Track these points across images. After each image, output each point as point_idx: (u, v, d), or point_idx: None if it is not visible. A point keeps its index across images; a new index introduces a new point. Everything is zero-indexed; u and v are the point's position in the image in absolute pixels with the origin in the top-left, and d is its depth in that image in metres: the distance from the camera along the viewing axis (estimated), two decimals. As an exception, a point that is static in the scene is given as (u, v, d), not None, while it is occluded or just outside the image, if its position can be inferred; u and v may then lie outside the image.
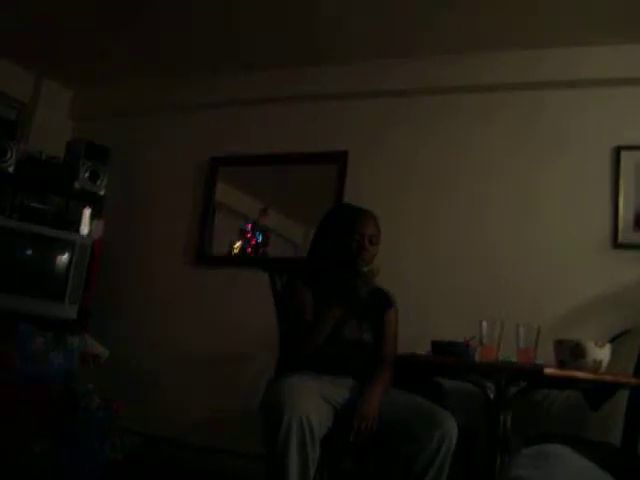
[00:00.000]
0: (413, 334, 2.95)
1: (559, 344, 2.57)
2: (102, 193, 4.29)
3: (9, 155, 3.96)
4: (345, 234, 2.61)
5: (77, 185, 4.18)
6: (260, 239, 4.30)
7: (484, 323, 2.62)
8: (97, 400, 3.52)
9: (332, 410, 2.40)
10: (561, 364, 2.53)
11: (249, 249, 4.32)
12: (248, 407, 2.91)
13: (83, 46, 4.26)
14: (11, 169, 3.97)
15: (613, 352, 2.55)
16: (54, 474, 3.29)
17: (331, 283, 2.58)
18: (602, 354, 2.48)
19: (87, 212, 4.21)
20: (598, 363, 2.47)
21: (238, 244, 4.34)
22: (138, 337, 4.35)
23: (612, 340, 2.95)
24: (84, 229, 4.18)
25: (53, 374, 3.58)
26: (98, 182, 4.25)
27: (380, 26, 3.70)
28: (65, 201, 4.20)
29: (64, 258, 3.97)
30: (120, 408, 3.61)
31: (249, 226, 4.33)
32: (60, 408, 3.48)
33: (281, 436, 2.08)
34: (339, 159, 4.11)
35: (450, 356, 2.64)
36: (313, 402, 2.23)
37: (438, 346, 2.72)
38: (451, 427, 2.28)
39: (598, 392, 2.98)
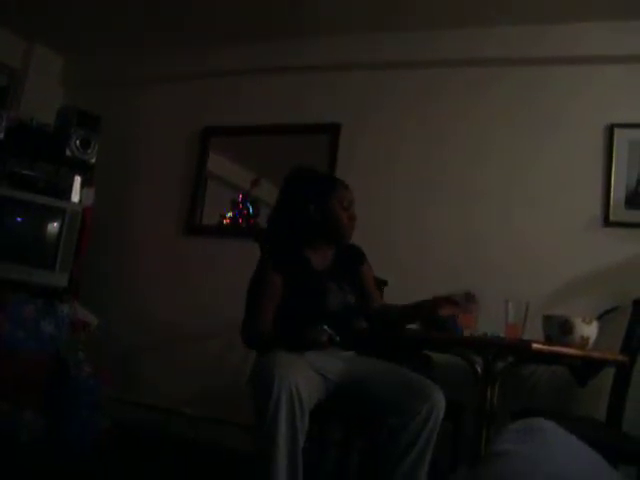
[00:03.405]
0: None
1: (547, 320, 2.59)
2: (93, 161, 4.24)
3: (-1, 122, 3.93)
4: (335, 205, 2.59)
5: (68, 153, 4.13)
6: (251, 210, 4.29)
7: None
8: (88, 369, 3.52)
9: (323, 381, 2.41)
10: (549, 340, 2.55)
11: (240, 220, 4.32)
12: (240, 378, 2.92)
13: (75, 12, 4.20)
14: (1, 136, 3.93)
15: (601, 329, 2.57)
16: (44, 442, 3.31)
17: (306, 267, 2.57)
18: (590, 330, 2.50)
19: (78, 180, 4.18)
20: (586, 339, 2.49)
21: (229, 214, 4.34)
22: (128, 306, 4.36)
23: (600, 317, 2.98)
24: (75, 197, 4.16)
25: (43, 342, 3.59)
26: (89, 150, 4.20)
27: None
28: (56, 169, 4.15)
29: (55, 226, 3.95)
30: (111, 377, 3.63)
31: (240, 197, 4.32)
32: (50, 376, 3.49)
33: (271, 407, 2.09)
34: (331, 131, 4.09)
35: (439, 330, 2.65)
36: (303, 373, 2.24)
37: (428, 320, 2.74)
38: (439, 400, 2.29)
39: (585, 368, 3.01)
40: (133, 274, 4.50)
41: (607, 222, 3.42)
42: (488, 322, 2.64)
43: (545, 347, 2.41)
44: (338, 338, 2.34)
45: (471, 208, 3.70)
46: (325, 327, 2.34)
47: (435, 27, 3.84)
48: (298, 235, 2.62)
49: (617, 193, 3.42)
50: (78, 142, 4.16)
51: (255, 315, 2.51)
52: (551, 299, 3.33)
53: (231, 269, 4.06)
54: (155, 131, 4.66)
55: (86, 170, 4.23)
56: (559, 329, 2.51)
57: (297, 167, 2.71)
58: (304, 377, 2.22)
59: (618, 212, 3.40)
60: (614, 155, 3.45)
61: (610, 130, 3.48)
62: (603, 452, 1.25)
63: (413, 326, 2.83)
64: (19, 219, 3.95)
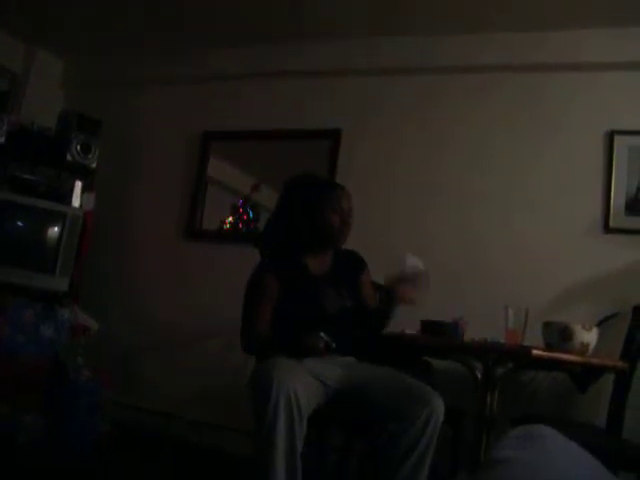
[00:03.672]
0: (403, 313, 2.96)
1: (547, 326, 2.59)
2: (94, 165, 4.25)
3: (0, 126, 3.93)
4: (327, 210, 2.58)
5: (69, 157, 4.13)
6: (251, 215, 4.30)
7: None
8: (87, 373, 3.52)
9: (322, 387, 2.41)
10: (549, 346, 2.55)
11: (240, 225, 4.32)
12: (240, 379, 2.92)
13: (75, 13, 4.20)
14: (2, 140, 3.94)
15: (601, 335, 2.57)
16: (43, 445, 3.30)
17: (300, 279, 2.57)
18: (589, 337, 2.50)
19: (78, 184, 4.19)
20: (585, 346, 2.49)
21: (230, 219, 4.34)
22: (128, 310, 4.36)
23: (600, 323, 2.98)
24: (75, 201, 4.16)
25: (43, 346, 3.59)
26: (90, 155, 4.20)
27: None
28: (57, 173, 4.16)
29: (55, 230, 3.95)
30: (110, 379, 3.63)
31: (240, 201, 4.32)
32: (50, 380, 3.49)
33: (269, 411, 2.09)
34: (332, 136, 4.09)
35: (439, 335, 2.66)
36: (301, 379, 2.24)
37: (427, 325, 2.74)
38: (438, 406, 2.29)
39: (585, 374, 3.01)
40: (133, 276, 4.50)
41: (607, 228, 3.42)
42: (488, 328, 2.64)
43: (545, 353, 2.41)
44: (334, 345, 2.34)
45: (471, 213, 3.70)
46: (322, 334, 2.34)
47: (435, 33, 3.84)
48: (295, 241, 2.63)
49: (617, 199, 3.42)
50: (79, 147, 4.16)
51: (252, 318, 2.52)
52: (551, 305, 3.33)
53: (231, 270, 4.04)
54: (155, 133, 4.66)
55: (87, 175, 4.24)
56: (559, 335, 2.51)
57: (298, 173, 2.72)
58: (302, 383, 2.22)
59: (618, 218, 3.40)
60: (614, 162, 3.45)
61: (610, 136, 3.48)
62: (603, 459, 1.25)
63: (412, 331, 2.83)
64: (20, 223, 3.95)
